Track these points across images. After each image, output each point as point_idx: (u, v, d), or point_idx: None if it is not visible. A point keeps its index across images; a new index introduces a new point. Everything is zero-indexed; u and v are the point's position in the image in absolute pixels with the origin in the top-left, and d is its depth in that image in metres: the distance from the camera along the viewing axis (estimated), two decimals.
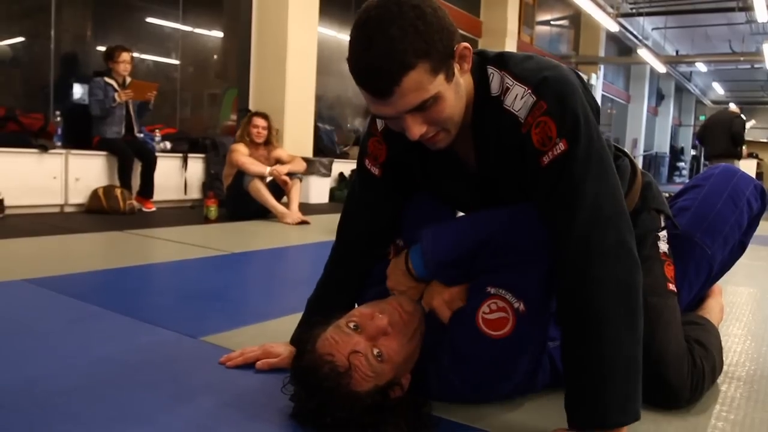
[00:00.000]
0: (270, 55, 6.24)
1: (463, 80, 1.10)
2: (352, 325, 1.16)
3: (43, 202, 4.58)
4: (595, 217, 1.05)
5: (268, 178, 4.61)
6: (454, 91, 1.06)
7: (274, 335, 1.55)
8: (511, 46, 10.44)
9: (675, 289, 1.38)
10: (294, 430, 1.12)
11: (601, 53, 14.86)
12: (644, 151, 19.16)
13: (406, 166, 1.31)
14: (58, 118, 4.90)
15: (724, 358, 1.47)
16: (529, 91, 1.08)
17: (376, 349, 1.13)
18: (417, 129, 1.06)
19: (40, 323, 1.75)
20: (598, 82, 14.34)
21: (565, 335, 1.08)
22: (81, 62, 5.43)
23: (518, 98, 1.09)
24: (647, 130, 19.59)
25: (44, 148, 4.56)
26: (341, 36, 8.20)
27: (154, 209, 5.00)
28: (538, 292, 1.15)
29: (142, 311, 1.87)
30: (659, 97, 21.69)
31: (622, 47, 16.35)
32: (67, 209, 4.75)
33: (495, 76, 1.12)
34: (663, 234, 1.43)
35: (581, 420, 1.03)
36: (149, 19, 6.13)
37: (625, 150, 1.47)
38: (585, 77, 8.79)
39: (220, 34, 6.81)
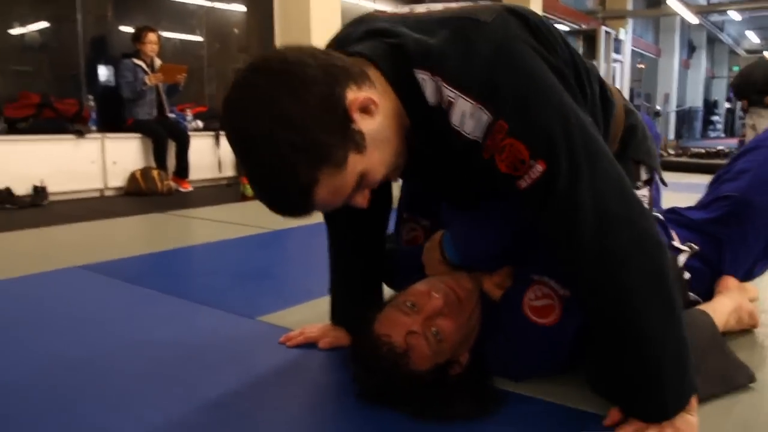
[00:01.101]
0: (294, 25, 6.18)
1: (381, 116, 0.90)
2: (408, 303, 1.15)
3: (84, 186, 4.66)
4: (603, 224, 0.90)
5: None
6: (376, 149, 0.90)
7: (325, 312, 1.56)
8: (535, 2, 10.19)
9: None
10: (362, 409, 1.14)
11: (629, 6, 14.43)
12: (677, 107, 18.69)
13: None
14: (92, 102, 4.95)
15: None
16: (479, 106, 0.87)
17: (433, 328, 1.12)
18: (362, 199, 0.95)
19: (100, 309, 1.79)
20: (626, 36, 13.97)
21: (605, 343, 1.01)
22: (109, 44, 5.45)
23: (467, 116, 0.88)
24: (679, 85, 19.08)
25: (80, 133, 4.62)
26: (363, 2, 8.09)
27: (190, 189, 5.05)
28: None
29: (195, 293, 1.90)
30: (690, 49, 21.06)
31: None
32: (107, 193, 4.82)
33: (428, 83, 0.90)
34: (642, 193, 1.26)
35: (642, 415, 0.99)
36: None
37: (611, 85, 1.25)
38: (613, 32, 8.48)
39: (242, 8, 6.77)
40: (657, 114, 16.79)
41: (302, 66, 0.85)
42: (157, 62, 5.08)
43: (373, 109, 0.89)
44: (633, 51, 15.44)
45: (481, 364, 1.20)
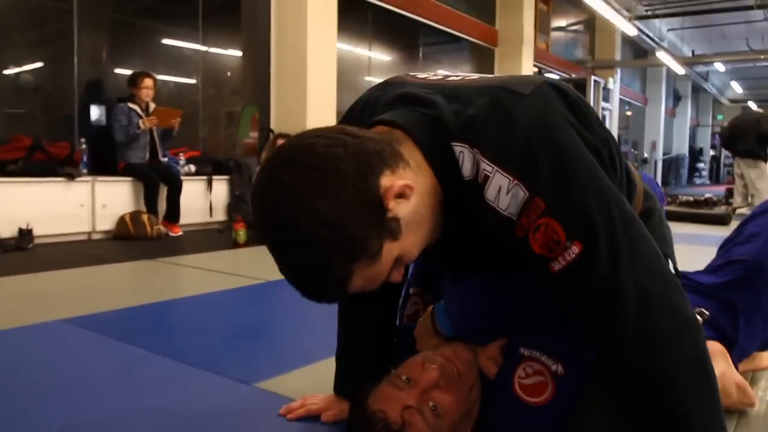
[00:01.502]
0: (290, 73, 6.21)
1: (416, 197, 0.86)
2: (404, 378, 1.09)
3: (71, 230, 4.57)
4: (645, 307, 0.85)
5: None
6: (411, 232, 0.86)
7: (326, 378, 1.48)
8: (527, 53, 10.37)
9: None
10: None
11: (617, 57, 14.74)
12: (663, 154, 18.94)
13: None
14: (83, 146, 4.90)
15: None
16: (516, 182, 0.83)
17: (431, 402, 1.05)
18: (396, 277, 0.90)
19: (88, 369, 1.70)
20: (615, 85, 14.20)
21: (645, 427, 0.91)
22: (104, 88, 5.43)
23: (503, 192, 0.84)
24: (665, 132, 19.36)
25: (71, 176, 4.55)
26: (359, 50, 8.18)
27: (181, 233, 4.98)
28: (576, 352, 1.05)
29: (188, 354, 1.82)
30: (676, 98, 21.47)
31: (638, 49, 16.20)
32: (95, 236, 4.73)
33: (465, 156, 0.86)
34: None
35: None
36: (168, 41, 6.13)
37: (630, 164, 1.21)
38: (602, 81, 8.64)
39: (239, 53, 6.80)
40: (644, 161, 17.01)
41: (333, 159, 0.81)
42: (152, 106, 5.06)
43: (408, 194, 0.85)
44: (621, 99, 15.69)
45: None
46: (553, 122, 0.86)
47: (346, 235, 0.79)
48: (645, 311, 0.85)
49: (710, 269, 1.53)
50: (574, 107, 0.91)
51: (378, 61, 8.68)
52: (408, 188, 0.84)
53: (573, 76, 12.89)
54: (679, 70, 15.00)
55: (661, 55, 13.35)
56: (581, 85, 12.93)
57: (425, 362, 1.10)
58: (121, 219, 4.73)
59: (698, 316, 1.37)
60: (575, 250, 0.83)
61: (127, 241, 4.60)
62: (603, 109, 13.38)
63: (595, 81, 12.72)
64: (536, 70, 11.25)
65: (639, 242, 0.87)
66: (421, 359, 1.12)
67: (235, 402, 1.48)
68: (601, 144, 0.93)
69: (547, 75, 12.35)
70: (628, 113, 17.86)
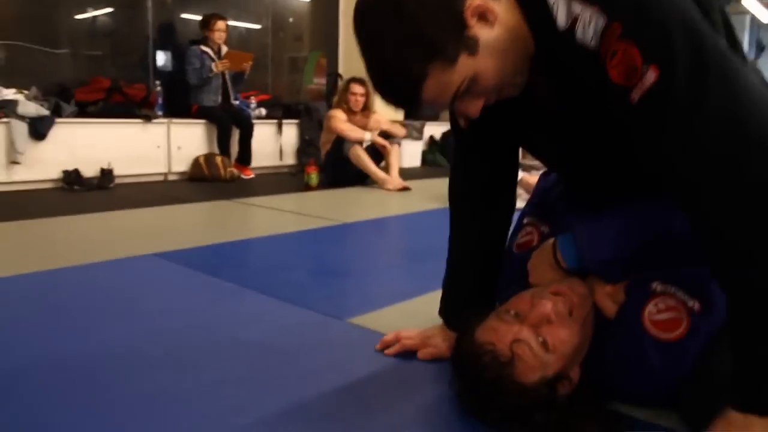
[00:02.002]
0: None
1: (501, 29, 0.88)
2: (512, 312, 1.06)
3: (148, 170, 4.68)
4: (748, 148, 0.76)
5: (366, 144, 4.55)
6: (489, 56, 0.88)
7: (417, 316, 1.46)
8: None
9: None
10: (466, 427, 1.04)
11: None
12: None
13: (489, 117, 1.06)
14: (158, 88, 4.97)
15: None
16: (597, 10, 0.81)
17: (540, 337, 1.02)
18: (473, 108, 0.93)
19: (183, 301, 1.73)
20: None
21: (733, 311, 0.85)
22: (176, 31, 5.46)
23: (588, 24, 0.83)
24: None
25: (148, 118, 4.63)
26: None
27: (252, 176, 5.03)
28: (715, 289, 0.97)
29: (277, 289, 1.83)
30: (759, 48, 20.21)
31: None
32: (171, 177, 4.84)
33: (560, 5, 0.85)
34: None
35: (742, 403, 0.84)
36: None
37: None
38: None
39: None
40: None
41: None
42: (224, 49, 5.07)
43: (491, 19, 0.87)
44: None
45: (594, 383, 1.09)
46: None
47: (425, 33, 0.84)
48: (749, 153, 0.76)
49: None
50: None
51: None
52: (490, 11, 0.86)
53: None
54: (765, 17, 14.04)
55: (747, 2, 12.49)
56: None
57: (534, 298, 1.07)
58: (196, 161, 4.81)
59: None
60: (652, 76, 0.78)
61: (202, 182, 4.69)
62: None
63: None
64: None
65: (736, 77, 0.78)
66: (530, 295, 1.09)
67: (329, 336, 1.48)
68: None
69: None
70: None
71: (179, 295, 1.81)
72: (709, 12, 0.88)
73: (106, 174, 4.33)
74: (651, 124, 0.81)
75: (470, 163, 1.29)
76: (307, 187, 4.42)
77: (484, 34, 0.86)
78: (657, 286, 1.04)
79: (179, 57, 5.24)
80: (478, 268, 1.31)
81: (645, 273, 1.07)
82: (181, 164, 4.85)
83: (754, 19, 15.72)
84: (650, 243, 1.06)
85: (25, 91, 4.27)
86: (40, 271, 1.97)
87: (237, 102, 5.27)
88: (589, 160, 1.09)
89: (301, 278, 2.00)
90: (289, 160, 5.60)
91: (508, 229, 1.33)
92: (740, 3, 12.75)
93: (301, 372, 1.27)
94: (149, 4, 5.17)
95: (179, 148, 4.83)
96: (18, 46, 4.61)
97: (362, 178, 4.58)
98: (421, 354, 1.33)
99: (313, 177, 4.42)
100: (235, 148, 5.07)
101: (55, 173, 4.19)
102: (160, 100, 4.92)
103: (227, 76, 5.08)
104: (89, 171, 4.28)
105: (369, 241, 2.79)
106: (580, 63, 0.85)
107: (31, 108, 4.08)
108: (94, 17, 5.11)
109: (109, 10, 5.12)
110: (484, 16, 0.86)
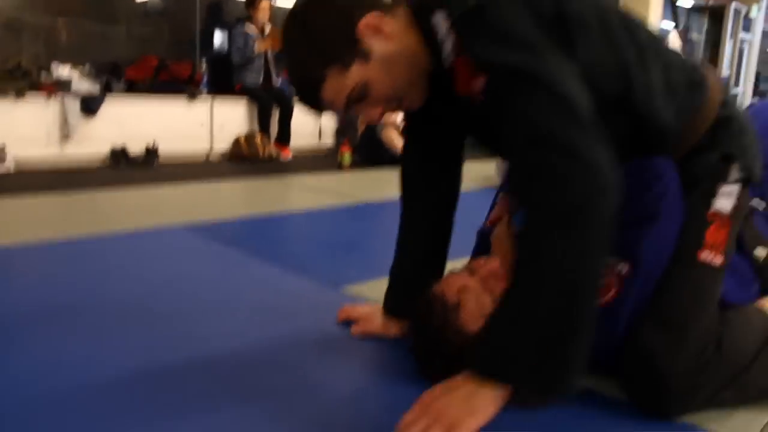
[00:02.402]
0: None
1: (395, 42, 1.03)
2: (468, 267, 1.17)
3: (192, 147, 4.88)
4: (536, 141, 0.92)
5: (400, 126, 4.64)
6: (381, 66, 1.02)
7: None
8: None
9: (715, 260, 1.08)
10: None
11: None
12: None
13: (426, 117, 1.27)
14: (204, 66, 5.16)
15: None
16: (451, 30, 0.98)
17: (488, 289, 1.12)
18: (372, 113, 1.07)
19: (196, 269, 1.89)
20: (759, 14, 12.91)
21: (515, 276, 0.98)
22: (224, 10, 5.64)
23: (449, 42, 0.99)
24: None
25: (193, 96, 4.83)
26: None
27: (290, 156, 5.18)
28: (648, 253, 1.06)
29: (287, 259, 1.96)
30: None
31: None
32: (213, 156, 5.03)
33: (441, 24, 1.00)
34: (728, 189, 1.12)
35: (478, 361, 0.98)
36: None
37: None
38: (743, 9, 7.83)
39: None
40: None
41: None
42: (268, 28, 5.20)
43: (384, 33, 1.02)
44: (765, 32, 14.26)
45: None
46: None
47: (324, 42, 1.01)
48: (534, 145, 0.92)
49: None
50: None
51: None
52: (384, 28, 1.02)
53: (709, 2, 11.85)
54: None
55: None
56: (718, 14, 11.91)
57: (489, 258, 1.19)
58: (236, 140, 4.99)
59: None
60: (481, 81, 0.96)
61: (242, 160, 4.87)
62: (742, 41, 12.27)
63: (735, 9, 11.64)
64: None
65: (548, 79, 0.93)
66: (485, 256, 1.20)
67: (319, 301, 1.60)
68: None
69: (680, 3, 11.46)
70: None
71: (195, 261, 1.96)
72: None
73: (151, 152, 4.55)
74: (492, 114, 0.98)
75: (415, 158, 1.37)
76: (340, 167, 4.55)
77: (377, 46, 1.02)
78: None
79: (226, 35, 5.42)
80: (422, 262, 1.38)
81: None
82: (223, 143, 5.03)
83: None
84: None
85: (80, 67, 4.51)
86: (73, 240, 2.17)
87: (279, 81, 5.42)
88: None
89: (310, 250, 2.13)
90: (328, 140, 5.74)
91: (453, 214, 1.40)
92: None
93: (284, 331, 1.40)
94: None
95: (222, 126, 5.01)
96: (74, 22, 4.85)
97: (396, 160, 4.66)
98: (353, 329, 1.40)
99: (346, 157, 4.54)
100: (275, 128, 5.22)
101: (105, 149, 4.43)
102: (205, 79, 5.11)
103: (270, 56, 5.22)
104: (136, 148, 4.50)
105: (386, 219, 2.89)
106: (452, 73, 1.02)
107: (83, 86, 4.32)
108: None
109: None
110: (378, 30, 1.01)
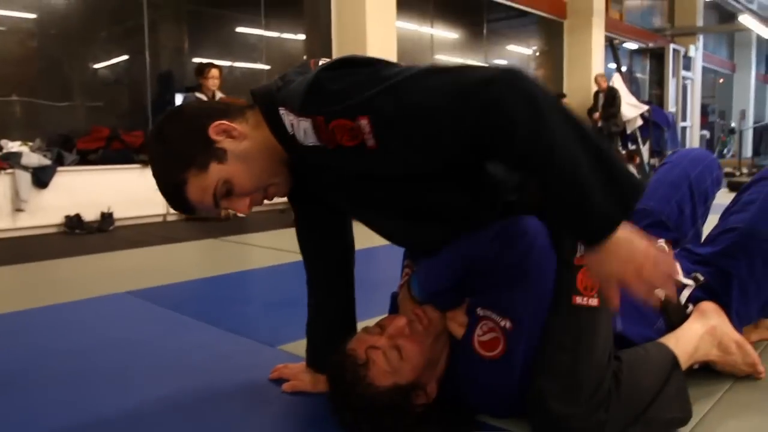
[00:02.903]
0: (350, 52, 6.34)
1: (248, 140, 1.12)
2: (378, 326, 1.23)
3: (147, 213, 4.92)
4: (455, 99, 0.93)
5: None
6: (238, 163, 1.10)
7: None
8: (598, 24, 10.08)
9: (590, 301, 1.16)
10: None
11: (699, 22, 14.02)
12: (755, 123, 17.91)
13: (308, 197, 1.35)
14: None
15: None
16: (298, 118, 1.00)
17: (396, 346, 1.18)
18: (240, 205, 1.14)
19: (136, 334, 1.92)
20: (697, 53, 13.56)
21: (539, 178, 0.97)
22: (176, 78, 5.76)
23: (298, 129, 1.01)
24: (757, 101, 18.31)
25: (145, 163, 4.89)
26: (421, 29, 8.22)
27: (246, 214, 5.23)
28: (524, 307, 1.15)
29: (227, 321, 2.01)
30: None
31: (723, 13, 15.38)
32: (170, 218, 5.07)
33: (285, 117, 1.04)
34: None
35: (590, 242, 0.97)
36: (236, 29, 6.41)
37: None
38: (682, 50, 8.26)
39: (302, 36, 7.01)
40: (731, 131, 16.16)
41: (186, 107, 1.21)
42: (219, 95, 5.33)
43: (235, 135, 1.11)
44: (705, 68, 14.95)
45: (453, 399, 1.24)
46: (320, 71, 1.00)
47: (178, 149, 1.10)
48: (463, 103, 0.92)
49: (709, 239, 1.56)
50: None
51: (441, 40, 8.70)
52: (233, 129, 1.11)
53: (650, 45, 12.41)
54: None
55: (745, 19, 12.60)
56: (659, 55, 12.46)
57: (397, 315, 1.25)
58: None
59: (692, 281, 1.42)
60: (365, 122, 0.95)
61: (198, 221, 4.91)
62: (684, 78, 12.82)
63: (674, 50, 12.21)
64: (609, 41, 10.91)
65: (409, 73, 0.96)
66: (395, 315, 1.27)
67: (256, 361, 1.65)
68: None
69: (623, 45, 11.98)
70: (721, 81, 16.99)
71: (136, 328, 1.99)
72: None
73: (106, 217, 4.59)
74: (401, 141, 0.98)
75: (304, 228, 1.46)
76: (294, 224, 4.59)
77: (231, 146, 1.11)
78: (480, 311, 1.19)
79: (176, 104, 5.53)
80: (331, 318, 1.46)
81: (473, 300, 1.21)
82: None
83: (759, 35, 15.76)
84: (466, 269, 1.21)
85: (30, 143, 4.56)
86: (22, 311, 2.19)
87: None
88: (390, 219, 1.25)
89: (250, 311, 2.18)
90: (284, 198, 5.79)
91: (352, 271, 1.48)
92: (740, 23, 12.83)
93: (217, 390, 1.45)
94: (147, 53, 5.47)
95: None
96: (22, 101, 4.92)
97: None
98: (284, 386, 1.45)
99: None
100: None
101: (58, 218, 4.45)
102: None
103: None
104: (90, 215, 4.54)
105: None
106: (312, 155, 1.04)
107: (33, 159, 4.36)
108: (94, 70, 5.43)
109: (108, 63, 5.44)
110: (228, 132, 1.11)
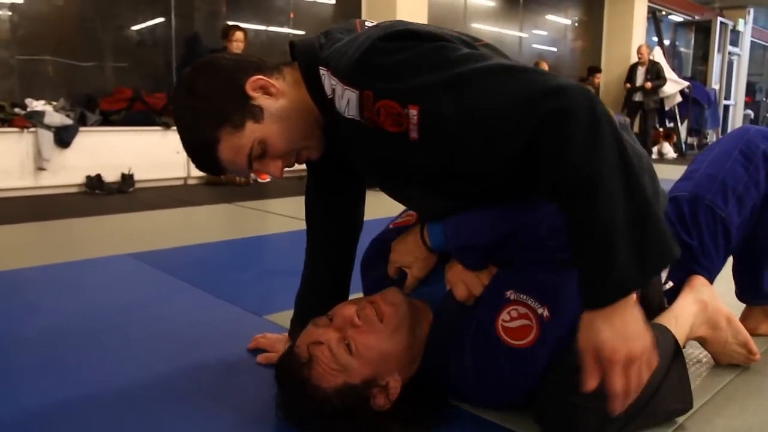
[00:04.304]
0: (380, 18, 6.24)
1: (286, 99, 1.05)
2: (329, 316, 1.12)
3: (168, 175, 4.94)
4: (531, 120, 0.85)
5: None
6: (274, 122, 1.03)
7: None
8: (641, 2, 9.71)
9: None
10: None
11: None
12: None
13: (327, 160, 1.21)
14: None
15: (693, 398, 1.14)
16: (345, 87, 0.95)
17: (345, 340, 1.07)
18: (273, 168, 1.07)
19: (128, 297, 1.91)
20: (746, 28, 12.99)
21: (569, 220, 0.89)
22: (200, 41, 5.73)
23: (343, 99, 0.96)
24: None
25: (167, 126, 4.89)
26: None
27: (268, 179, 5.23)
28: (568, 298, 1.03)
29: (220, 287, 1.99)
30: None
31: None
32: (190, 182, 5.09)
33: (325, 78, 1.00)
34: None
35: (594, 299, 0.87)
36: None
37: None
38: (730, 23, 7.94)
39: (332, 0, 6.91)
40: None
41: (218, 59, 1.07)
42: None
43: (273, 92, 1.04)
44: (754, 43, 14.33)
45: (437, 385, 1.15)
46: (379, 35, 0.93)
47: (211, 105, 1.02)
48: (539, 126, 0.85)
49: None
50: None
51: (475, 7, 8.48)
52: (272, 86, 1.04)
53: (696, 18, 11.94)
54: None
55: None
56: (705, 28, 11.99)
57: (348, 304, 1.13)
58: None
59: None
60: (414, 112, 0.90)
61: (218, 186, 4.92)
62: (730, 54, 12.33)
63: (721, 23, 11.73)
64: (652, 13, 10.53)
65: (483, 74, 0.89)
66: (349, 302, 1.15)
67: (239, 329, 1.62)
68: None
69: (668, 17, 11.54)
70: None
71: (132, 290, 1.99)
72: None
73: (127, 179, 4.62)
74: (450, 141, 0.92)
75: (317, 193, 1.36)
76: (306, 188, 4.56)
77: (268, 104, 1.03)
78: (511, 294, 1.07)
79: None
80: (324, 294, 1.38)
81: (501, 277, 1.09)
82: None
83: None
84: (509, 234, 1.09)
85: (54, 103, 4.60)
86: (26, 268, 2.20)
87: None
88: (409, 192, 1.17)
89: (245, 278, 2.15)
90: None
91: (355, 248, 1.41)
92: None
93: (184, 359, 1.42)
94: (172, 15, 5.45)
95: None
96: (49, 60, 4.95)
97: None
98: (259, 357, 1.40)
99: None
100: None
101: (79, 178, 4.49)
102: None
103: None
104: (111, 176, 4.57)
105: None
106: (346, 126, 1.00)
107: (56, 118, 4.39)
108: (122, 31, 5.43)
109: (136, 24, 5.43)
110: (266, 89, 1.03)
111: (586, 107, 0.84)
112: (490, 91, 0.87)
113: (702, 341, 1.33)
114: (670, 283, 1.29)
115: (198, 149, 1.05)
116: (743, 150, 1.34)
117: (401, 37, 0.93)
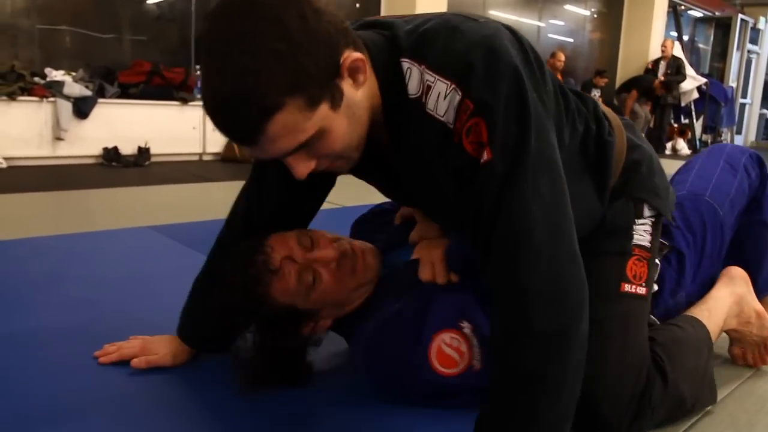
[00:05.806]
0: (400, 11, 6.22)
1: (363, 94, 0.85)
2: (311, 238, 1.11)
3: (184, 150, 4.96)
4: (520, 239, 0.79)
5: None
6: (346, 117, 0.82)
7: None
8: None
9: (638, 290, 1.09)
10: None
11: None
12: None
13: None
14: (198, 72, 5.23)
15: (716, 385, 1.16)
16: (453, 86, 0.81)
17: (314, 271, 1.08)
18: (302, 168, 0.84)
19: (153, 268, 1.94)
20: (767, 26, 12.85)
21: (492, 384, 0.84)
22: None
23: (441, 98, 0.82)
24: None
25: (185, 101, 4.90)
26: None
27: None
28: None
29: None
30: None
31: None
32: (205, 157, 5.11)
33: (413, 72, 0.84)
34: (642, 225, 1.13)
35: None
36: None
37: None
38: (751, 21, 7.81)
39: None
40: None
41: (318, 5, 0.80)
42: None
43: (361, 80, 0.83)
44: None
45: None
46: (497, 39, 0.83)
47: (299, 60, 0.74)
48: (519, 245, 0.79)
49: None
50: (526, 49, 0.87)
51: None
52: (362, 74, 0.83)
53: (717, 14, 11.81)
54: None
55: None
56: (725, 25, 11.87)
57: (337, 240, 1.15)
58: (229, 142, 5.06)
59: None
60: (486, 154, 0.80)
61: (233, 163, 4.93)
62: (749, 52, 12.22)
63: (742, 20, 11.61)
64: (672, 8, 10.43)
65: (543, 175, 0.81)
66: (338, 237, 1.16)
67: None
68: (545, 89, 0.88)
69: (688, 12, 11.42)
70: None
71: (149, 262, 2.02)
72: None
73: (143, 152, 4.64)
74: (481, 191, 0.82)
75: (263, 198, 1.19)
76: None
77: (351, 93, 0.82)
78: (465, 326, 1.06)
79: None
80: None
81: (466, 310, 1.08)
82: (216, 145, 5.12)
83: None
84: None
85: (73, 73, 4.61)
86: (46, 236, 2.23)
87: None
88: (422, 203, 1.09)
89: None
90: None
91: None
92: None
93: None
94: None
95: (214, 129, 5.05)
96: (69, 31, 4.95)
97: None
98: (135, 362, 1.24)
99: None
100: None
101: (96, 150, 4.51)
102: (198, 84, 5.18)
103: None
104: (127, 149, 4.59)
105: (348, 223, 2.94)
106: (430, 129, 0.85)
107: (75, 89, 4.40)
108: (143, 3, 5.42)
109: (157, 0, 5.43)
110: (355, 74, 0.82)
111: (576, 327, 0.80)
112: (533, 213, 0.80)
113: (728, 333, 1.34)
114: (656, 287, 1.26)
115: (244, 110, 0.74)
116: (728, 161, 1.37)
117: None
